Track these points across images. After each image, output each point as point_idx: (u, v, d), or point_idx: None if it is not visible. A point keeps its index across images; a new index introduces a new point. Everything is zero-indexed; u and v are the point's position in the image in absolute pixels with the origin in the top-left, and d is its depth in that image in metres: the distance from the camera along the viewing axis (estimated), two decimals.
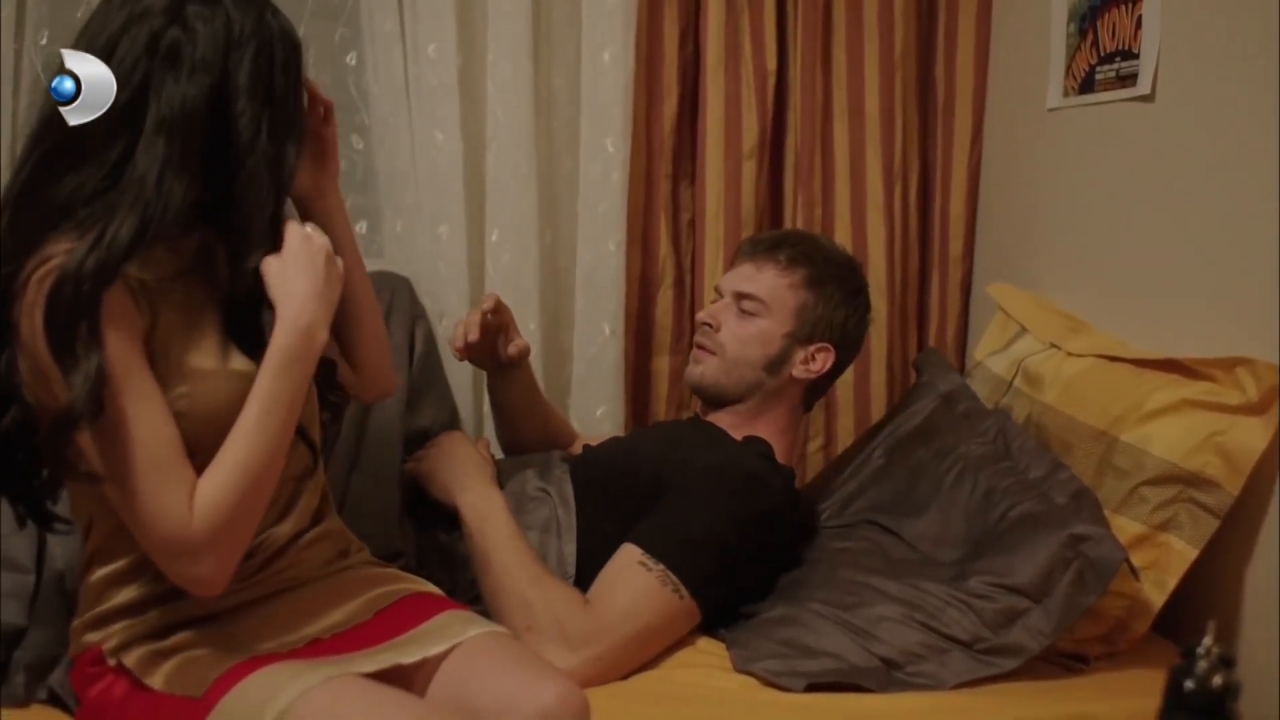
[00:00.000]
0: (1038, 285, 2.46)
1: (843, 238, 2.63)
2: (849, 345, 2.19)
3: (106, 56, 1.43)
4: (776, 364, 2.13)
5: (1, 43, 2.23)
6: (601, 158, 2.50)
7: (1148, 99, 2.12)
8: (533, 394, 2.31)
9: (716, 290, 2.23)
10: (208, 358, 1.51)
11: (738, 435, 2.11)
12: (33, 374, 1.40)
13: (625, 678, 1.79)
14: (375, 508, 1.99)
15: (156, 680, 1.46)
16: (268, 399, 1.46)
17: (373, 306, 1.79)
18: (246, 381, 1.48)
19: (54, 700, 1.66)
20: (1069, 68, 2.35)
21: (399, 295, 2.27)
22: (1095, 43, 2.26)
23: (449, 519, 2.00)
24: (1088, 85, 2.29)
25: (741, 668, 1.80)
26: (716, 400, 2.17)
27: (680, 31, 2.58)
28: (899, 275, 2.68)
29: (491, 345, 2.18)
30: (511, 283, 2.45)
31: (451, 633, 1.57)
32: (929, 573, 1.91)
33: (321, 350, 1.51)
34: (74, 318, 1.36)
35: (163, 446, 1.42)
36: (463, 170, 2.45)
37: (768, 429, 2.14)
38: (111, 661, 1.50)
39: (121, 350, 1.40)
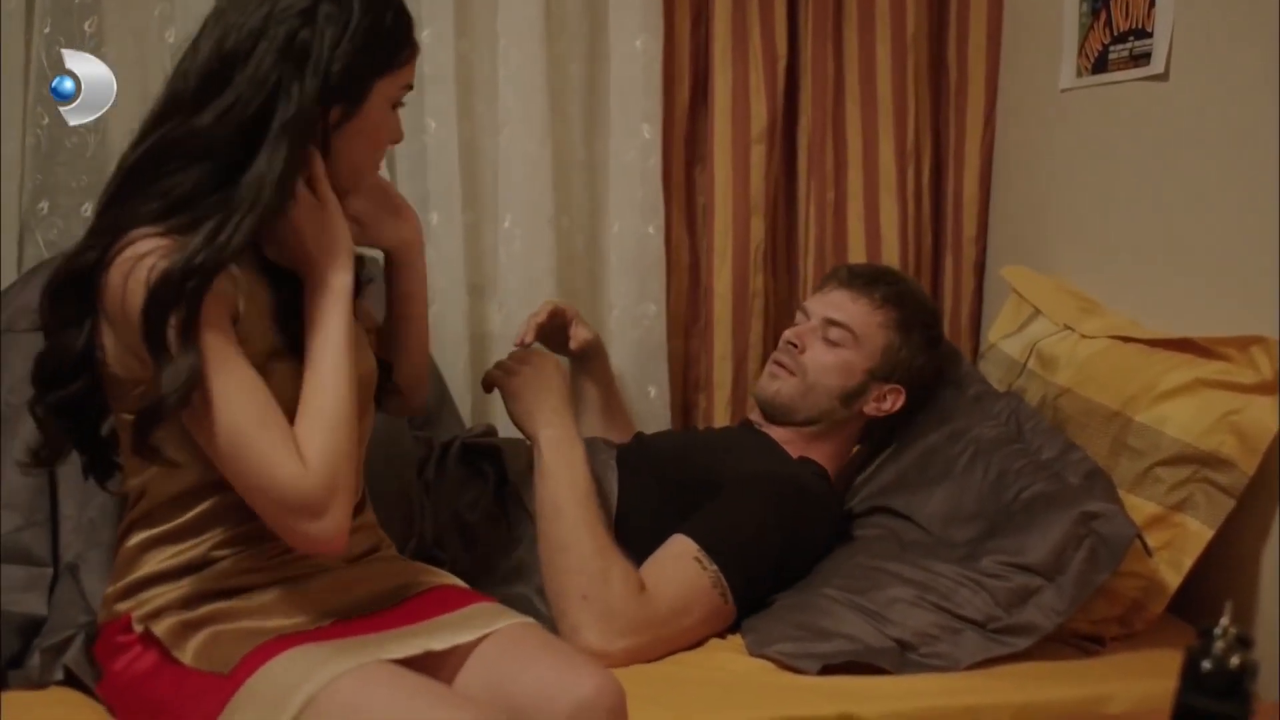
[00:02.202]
0: (1052, 266, 2.45)
1: (855, 220, 2.63)
2: (918, 390, 2.19)
3: (247, 53, 1.45)
4: (852, 397, 2.14)
5: (2, 34, 2.23)
6: (637, 143, 2.51)
7: (1161, 78, 2.11)
8: (606, 389, 2.34)
9: (803, 311, 2.23)
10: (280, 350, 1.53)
11: (793, 452, 2.12)
12: (122, 348, 1.46)
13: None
14: (389, 489, 1.98)
15: (185, 654, 1.46)
16: (324, 346, 1.49)
17: (421, 335, 1.85)
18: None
19: (70, 680, 1.67)
20: (1082, 47, 2.34)
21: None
22: (1108, 22, 2.25)
23: (472, 497, 2.01)
24: (1101, 65, 2.28)
25: (756, 651, 1.80)
26: (783, 418, 2.17)
27: (692, 17, 2.57)
28: (912, 257, 2.67)
29: (561, 340, 2.22)
30: (524, 269, 2.46)
31: (482, 622, 1.56)
32: (941, 554, 1.91)
33: (349, 289, 1.53)
34: (172, 312, 1.39)
35: (264, 411, 1.43)
36: (458, 157, 2.45)
37: (822, 453, 2.15)
38: (139, 629, 1.50)
39: (217, 333, 1.43)
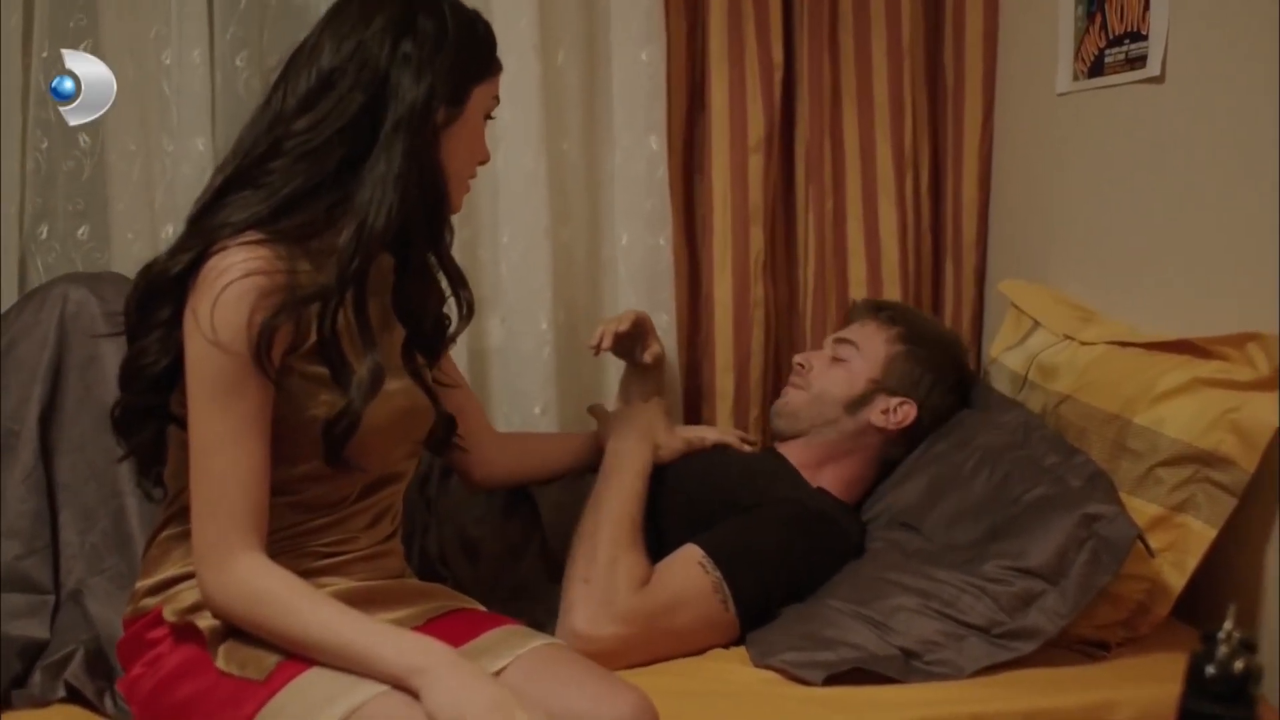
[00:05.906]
0: (1051, 270, 2.45)
1: (855, 227, 2.63)
2: (932, 411, 2.18)
3: (348, 65, 1.50)
4: (857, 405, 2.16)
5: (2, 56, 2.24)
6: (644, 155, 2.52)
7: (1157, 81, 2.10)
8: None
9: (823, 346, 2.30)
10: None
11: (810, 479, 2.13)
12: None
13: (647, 664, 1.81)
14: None
15: (219, 657, 1.45)
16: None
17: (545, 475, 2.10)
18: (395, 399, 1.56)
19: (72, 696, 1.68)
20: (1078, 51, 2.34)
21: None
22: (1104, 25, 2.25)
23: (478, 513, 2.03)
24: (1097, 68, 2.28)
25: (760, 662, 1.80)
26: (790, 429, 2.20)
27: (688, 26, 2.58)
28: (912, 263, 2.66)
29: (631, 350, 2.26)
30: (524, 282, 2.46)
31: (512, 644, 1.56)
32: (944, 560, 1.90)
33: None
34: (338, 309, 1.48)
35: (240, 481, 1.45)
36: None
37: (836, 477, 2.15)
38: (173, 619, 1.49)
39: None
